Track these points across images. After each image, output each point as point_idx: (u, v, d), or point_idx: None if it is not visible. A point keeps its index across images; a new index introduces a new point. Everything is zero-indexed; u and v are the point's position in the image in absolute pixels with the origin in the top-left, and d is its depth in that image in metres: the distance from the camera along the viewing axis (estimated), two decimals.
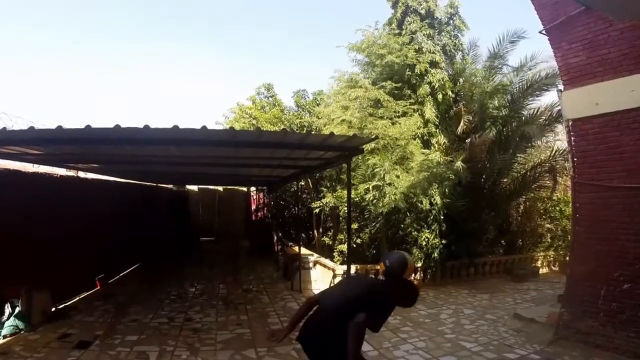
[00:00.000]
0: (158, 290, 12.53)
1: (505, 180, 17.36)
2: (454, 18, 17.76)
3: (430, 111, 15.62)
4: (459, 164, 14.25)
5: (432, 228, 14.24)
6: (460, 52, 17.99)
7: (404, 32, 16.86)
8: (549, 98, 16.27)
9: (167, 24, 77.82)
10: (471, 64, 17.58)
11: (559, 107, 12.78)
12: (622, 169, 7.84)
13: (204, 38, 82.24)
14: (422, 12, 17.08)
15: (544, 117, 15.92)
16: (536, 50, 16.19)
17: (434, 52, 16.19)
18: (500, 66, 16.69)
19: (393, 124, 14.66)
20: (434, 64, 16.13)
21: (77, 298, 11.00)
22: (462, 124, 15.61)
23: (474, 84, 16.40)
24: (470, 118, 15.75)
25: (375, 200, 13.99)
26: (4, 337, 7.96)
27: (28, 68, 67.91)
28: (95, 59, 79.34)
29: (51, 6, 64.95)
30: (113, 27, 76.20)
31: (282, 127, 20.89)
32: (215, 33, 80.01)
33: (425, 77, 15.92)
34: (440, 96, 15.89)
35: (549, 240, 18.91)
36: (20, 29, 62.61)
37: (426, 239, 14.11)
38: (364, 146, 9.16)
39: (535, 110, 16.12)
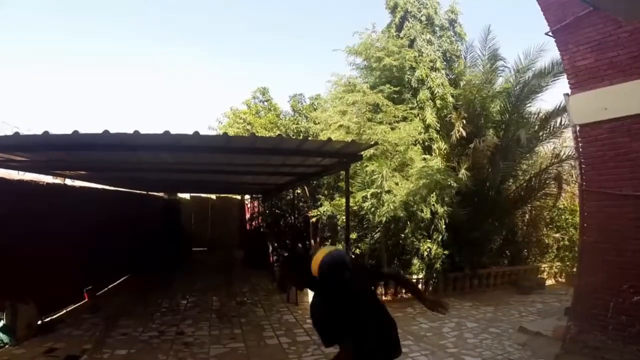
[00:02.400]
0: (148, 303, 12.51)
1: (509, 188, 17.35)
2: (455, 24, 17.85)
3: (430, 116, 15.59)
4: (462, 171, 14.26)
5: (434, 238, 14.21)
6: (459, 59, 17.98)
7: (403, 37, 16.88)
8: (555, 101, 16.23)
9: (157, 24, 77.79)
10: (469, 67, 17.62)
11: (565, 112, 12.83)
12: (632, 176, 7.82)
13: (196, 39, 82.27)
14: (422, 18, 17.11)
15: (551, 122, 15.96)
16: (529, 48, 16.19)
17: (434, 59, 16.23)
18: (502, 68, 16.72)
19: (392, 129, 14.62)
20: (433, 69, 16.15)
21: (65, 311, 10.96)
22: (462, 129, 15.55)
23: (475, 86, 16.40)
24: (465, 122, 15.66)
25: (373, 209, 13.97)
26: None
27: (13, 70, 67.91)
28: (83, 61, 79.30)
29: (36, 6, 64.97)
30: (101, 28, 76.19)
31: (278, 132, 20.91)
32: (208, 34, 79.98)
33: (426, 82, 15.93)
34: (439, 101, 15.89)
35: (556, 250, 18.86)
36: (5, 30, 62.56)
37: (428, 249, 14.07)
38: (362, 152, 9.18)
39: (538, 114, 16.20)
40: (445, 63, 17.10)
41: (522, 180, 17.46)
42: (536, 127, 16.06)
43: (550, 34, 9.20)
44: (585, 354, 8.12)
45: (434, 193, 13.86)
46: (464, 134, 15.43)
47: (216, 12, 75.02)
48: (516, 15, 58.10)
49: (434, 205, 13.85)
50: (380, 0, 18.46)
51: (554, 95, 16.10)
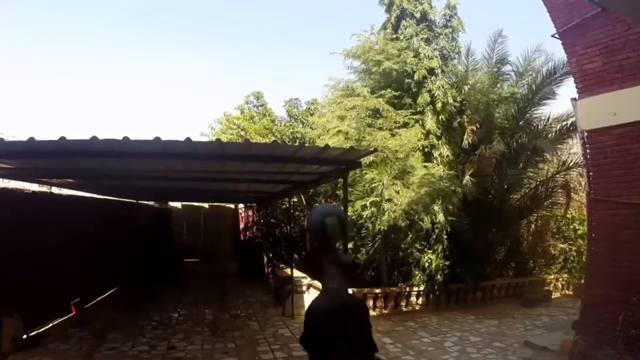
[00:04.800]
0: (138, 316, 12.47)
1: (515, 196, 17.34)
2: (452, 20, 17.70)
3: (431, 121, 15.49)
4: (467, 178, 14.24)
5: (435, 248, 14.20)
6: (459, 56, 17.98)
7: (400, 37, 16.81)
8: (563, 107, 16.18)
9: (146, 26, 77.74)
10: (472, 70, 17.55)
11: (573, 118, 12.80)
12: None
13: (188, 42, 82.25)
14: (418, 15, 16.97)
15: (555, 129, 15.94)
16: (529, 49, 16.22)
17: (431, 58, 16.01)
18: (507, 72, 16.80)
19: (393, 135, 14.55)
20: (432, 71, 15.98)
21: (51, 324, 10.88)
22: (466, 135, 15.50)
23: (479, 91, 16.46)
24: (475, 129, 15.63)
25: (372, 218, 13.96)
26: None
27: None
28: (71, 64, 79.15)
29: (19, 5, 64.93)
30: (91, 30, 76.13)
31: (273, 138, 20.90)
32: (200, 37, 79.98)
33: (425, 85, 15.81)
34: (439, 105, 15.66)
35: (563, 261, 18.85)
36: None
37: (429, 260, 14.07)
38: (361, 159, 9.16)
39: (546, 120, 16.19)
40: (444, 63, 17.01)
41: (527, 188, 17.45)
42: (551, 134, 16.04)
43: (556, 35, 9.21)
44: None
45: (437, 202, 13.85)
46: (470, 140, 15.40)
47: (210, 14, 75.11)
48: (522, 18, 58.22)
49: (436, 214, 13.84)
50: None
51: (562, 99, 15.99)
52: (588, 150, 8.73)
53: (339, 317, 3.85)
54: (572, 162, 15.95)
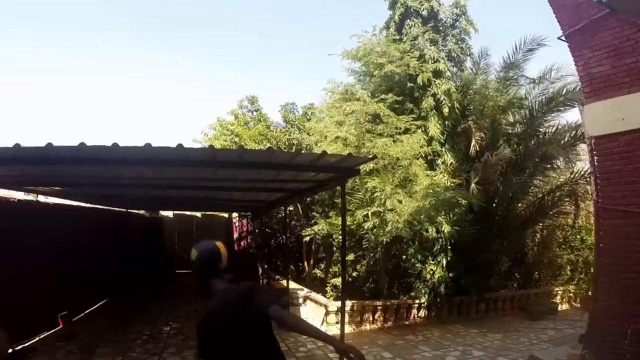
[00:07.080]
0: (128, 329, 12.40)
1: (520, 205, 17.29)
2: (460, 19, 17.70)
3: (435, 127, 15.50)
4: (472, 186, 14.20)
5: (438, 259, 14.17)
6: (469, 58, 18.02)
7: (404, 37, 16.86)
8: (573, 115, 16.09)
9: (137, 28, 77.78)
10: (481, 74, 17.54)
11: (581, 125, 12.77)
12: None
13: (180, 45, 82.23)
14: (424, 13, 17.01)
15: (567, 135, 15.86)
16: (562, 62, 16.04)
17: (437, 60, 16.05)
18: (515, 77, 16.70)
19: (394, 141, 14.56)
20: (438, 74, 16.01)
21: (37, 338, 10.81)
22: (473, 142, 15.40)
23: (485, 96, 16.41)
24: (483, 135, 15.56)
25: (375, 229, 13.89)
26: None
27: None
28: (60, 68, 79.11)
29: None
30: (81, 35, 76.10)
31: (268, 145, 20.87)
32: (192, 40, 79.98)
33: (429, 89, 15.84)
34: (446, 110, 15.75)
35: (569, 272, 18.83)
36: None
37: (431, 272, 14.04)
38: (360, 167, 9.14)
39: (556, 127, 16.09)
40: (451, 65, 17.08)
41: (534, 197, 17.41)
42: (563, 141, 15.98)
43: (563, 37, 9.18)
44: None
45: (443, 212, 13.81)
46: (478, 147, 15.36)
47: (204, 16, 75.15)
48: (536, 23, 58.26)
49: (440, 224, 13.80)
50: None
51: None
52: (596, 157, 8.71)
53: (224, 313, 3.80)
54: (587, 172, 15.79)
